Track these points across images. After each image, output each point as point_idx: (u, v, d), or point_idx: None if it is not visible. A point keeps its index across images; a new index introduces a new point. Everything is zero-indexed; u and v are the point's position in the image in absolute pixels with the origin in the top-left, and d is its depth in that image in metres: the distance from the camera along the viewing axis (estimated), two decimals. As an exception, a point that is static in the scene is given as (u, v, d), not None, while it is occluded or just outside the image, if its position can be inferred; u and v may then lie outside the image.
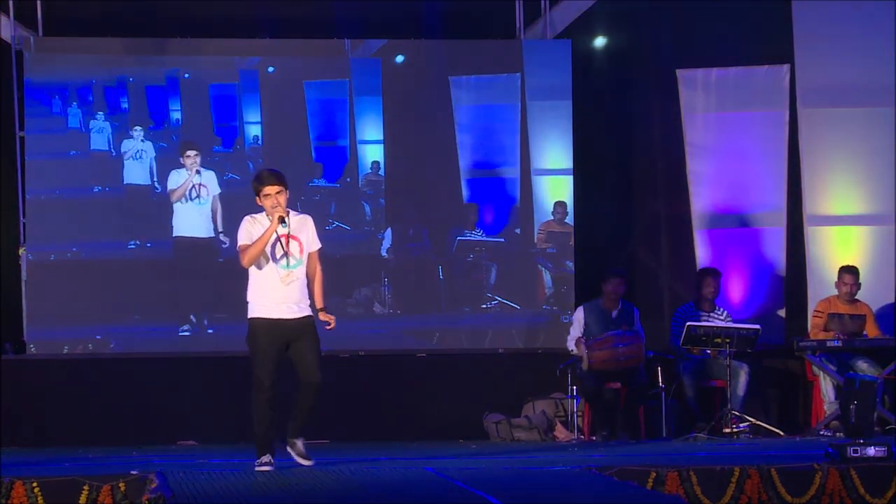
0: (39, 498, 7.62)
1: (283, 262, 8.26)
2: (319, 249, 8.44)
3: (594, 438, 11.21)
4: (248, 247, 8.22)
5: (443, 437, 11.67)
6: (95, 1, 12.33)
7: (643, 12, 12.60)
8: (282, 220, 8.17)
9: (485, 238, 12.55)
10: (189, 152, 12.13)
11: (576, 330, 11.50)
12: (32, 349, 11.95)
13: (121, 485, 7.70)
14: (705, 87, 12.41)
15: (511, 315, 12.50)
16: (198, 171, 12.13)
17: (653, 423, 11.32)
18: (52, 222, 12.09)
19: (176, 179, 12.15)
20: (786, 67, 12.26)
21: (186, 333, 12.12)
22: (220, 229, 12.18)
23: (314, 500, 7.07)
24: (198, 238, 12.21)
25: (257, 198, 8.31)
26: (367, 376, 12.02)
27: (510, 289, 12.54)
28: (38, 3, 12.15)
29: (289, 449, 8.45)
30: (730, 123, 12.39)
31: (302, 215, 8.44)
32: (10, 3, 12.10)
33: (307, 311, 8.33)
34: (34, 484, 7.65)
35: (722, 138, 12.38)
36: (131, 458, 9.75)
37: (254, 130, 12.43)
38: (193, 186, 12.15)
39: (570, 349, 11.45)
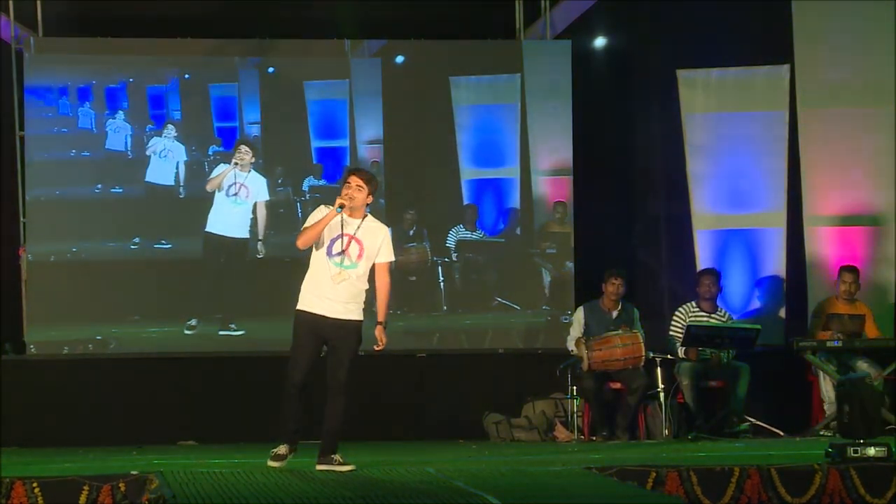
0: (39, 498, 7.62)
1: (338, 259, 8.14)
2: (392, 263, 8.36)
3: (594, 438, 11.21)
4: (306, 229, 8.18)
5: (443, 437, 11.67)
6: (95, 1, 12.34)
7: (643, 12, 12.60)
8: (341, 206, 8.07)
9: (485, 238, 12.55)
10: (241, 147, 12.16)
11: (576, 330, 11.50)
12: (32, 349, 11.95)
13: (121, 485, 7.69)
14: (705, 87, 12.41)
15: (511, 315, 12.50)
16: (236, 166, 12.10)
17: (653, 423, 11.32)
18: (53, 222, 12.09)
19: (217, 170, 12.19)
20: (786, 67, 12.25)
21: (190, 332, 12.11)
22: (260, 237, 12.20)
23: (314, 501, 7.07)
24: (227, 237, 12.22)
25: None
26: (367, 376, 11.98)
27: (510, 289, 12.54)
28: (38, 3, 12.15)
29: (327, 467, 8.16)
30: (730, 123, 12.38)
31: (378, 224, 8.33)
32: (10, 3, 12.10)
33: (355, 316, 8.20)
34: (34, 484, 7.65)
35: (722, 138, 12.38)
36: (131, 458, 9.75)
37: (254, 130, 12.42)
38: (234, 184, 12.15)
39: (570, 349, 11.45)
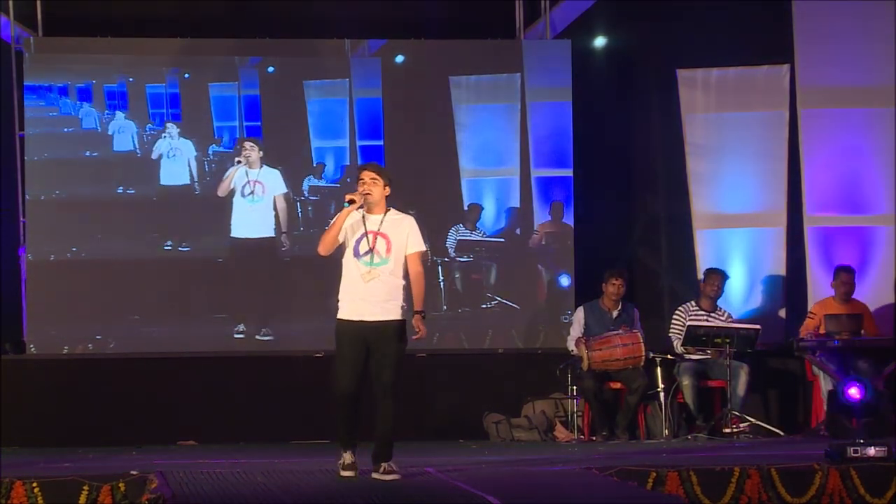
0: (39, 498, 7.63)
1: (367, 258, 7.95)
2: (423, 253, 8.17)
3: (594, 438, 11.22)
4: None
5: (443, 437, 11.67)
6: (95, 1, 12.34)
7: (643, 12, 12.59)
8: (351, 201, 7.90)
9: (485, 238, 12.54)
10: (245, 144, 12.13)
11: (576, 330, 11.50)
12: (32, 349, 11.95)
13: (121, 485, 7.70)
14: (705, 87, 12.41)
15: (511, 315, 12.49)
16: (239, 164, 12.08)
17: (653, 423, 11.33)
18: (53, 222, 12.09)
19: (227, 172, 12.17)
20: (786, 67, 12.25)
21: (239, 336, 12.10)
22: (284, 229, 12.17)
23: (314, 501, 7.07)
24: (250, 238, 12.19)
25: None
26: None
27: (510, 289, 12.53)
28: (38, 3, 12.15)
29: (376, 476, 7.89)
30: (730, 123, 12.38)
31: (402, 215, 8.12)
32: (10, 3, 12.10)
33: (395, 315, 7.99)
34: (34, 484, 7.66)
35: (722, 138, 12.37)
36: (131, 458, 9.75)
37: (254, 130, 12.41)
38: (248, 182, 12.12)
39: (570, 349, 11.45)
